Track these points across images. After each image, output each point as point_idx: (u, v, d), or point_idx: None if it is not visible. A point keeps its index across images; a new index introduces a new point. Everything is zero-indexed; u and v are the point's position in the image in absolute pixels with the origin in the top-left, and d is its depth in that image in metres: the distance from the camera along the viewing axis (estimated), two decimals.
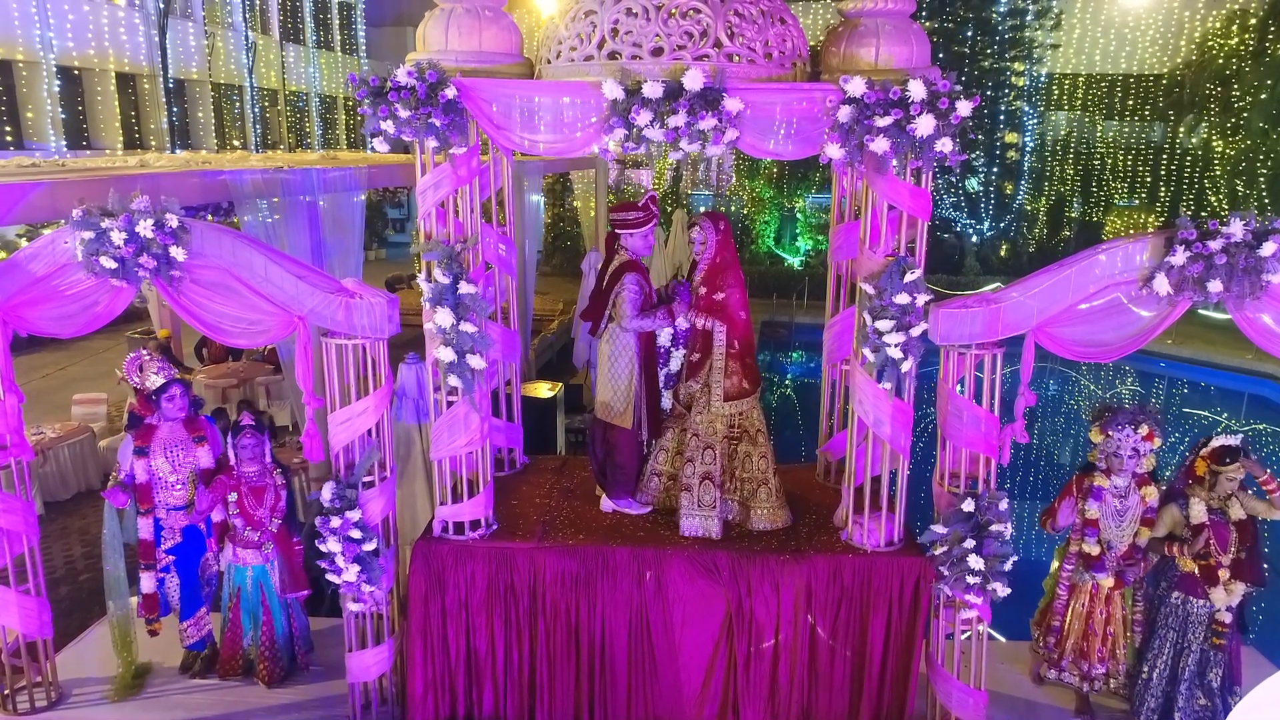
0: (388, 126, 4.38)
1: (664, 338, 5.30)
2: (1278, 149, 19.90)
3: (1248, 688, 4.92)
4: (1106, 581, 5.02)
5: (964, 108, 4.17)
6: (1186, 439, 5.10)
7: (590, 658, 5.04)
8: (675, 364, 5.35)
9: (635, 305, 5.01)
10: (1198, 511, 4.84)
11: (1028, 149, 24.18)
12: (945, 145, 4.23)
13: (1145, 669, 5.07)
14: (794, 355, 19.52)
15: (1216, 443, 4.88)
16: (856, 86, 4.18)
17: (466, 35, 4.62)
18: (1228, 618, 4.89)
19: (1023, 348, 4.59)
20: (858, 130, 4.24)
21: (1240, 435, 4.92)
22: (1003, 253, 24.36)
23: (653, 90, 4.19)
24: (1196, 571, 4.87)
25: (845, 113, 4.23)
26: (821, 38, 4.89)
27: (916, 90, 4.14)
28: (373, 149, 4.63)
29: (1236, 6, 21.98)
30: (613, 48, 4.56)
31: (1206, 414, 15.46)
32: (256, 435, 5.26)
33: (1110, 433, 4.87)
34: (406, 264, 22.41)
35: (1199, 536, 4.82)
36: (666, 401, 5.42)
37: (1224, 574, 4.81)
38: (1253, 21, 21.28)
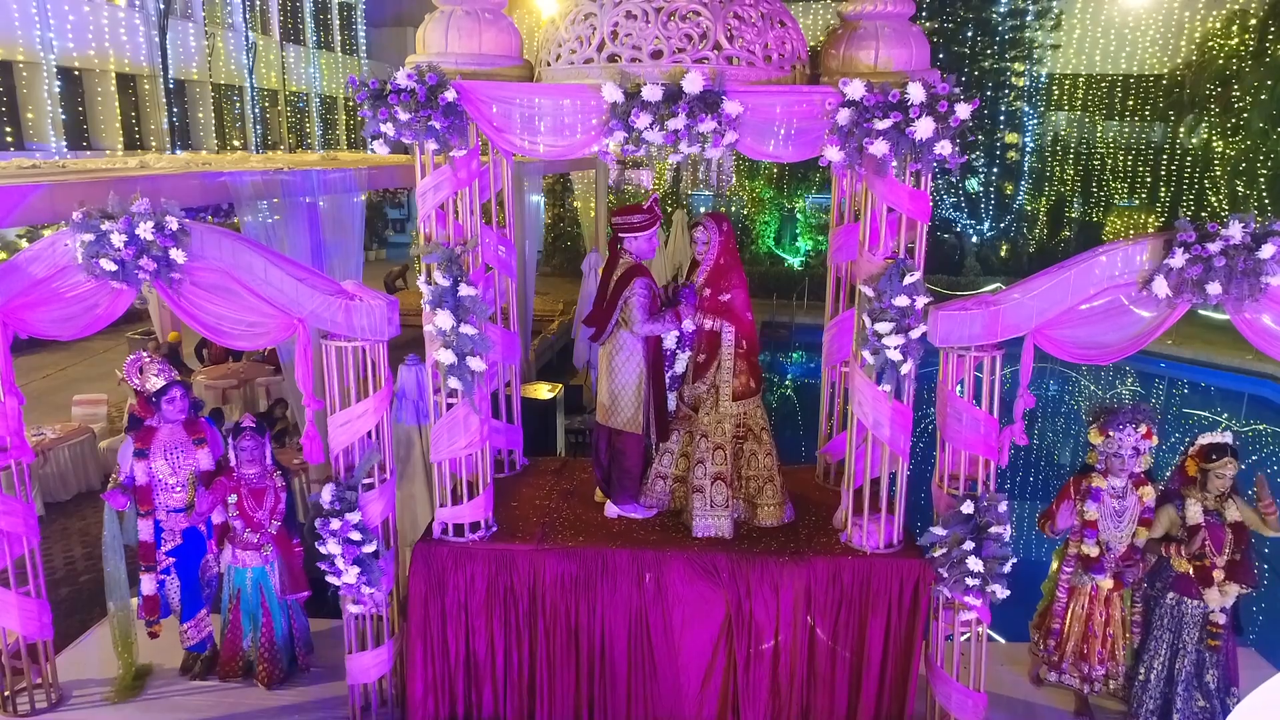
0: (388, 129, 4.39)
1: (669, 340, 5.26)
2: (1278, 149, 19.89)
3: (1245, 689, 4.93)
4: (1105, 583, 5.02)
5: (963, 110, 4.17)
6: (1187, 439, 5.11)
7: (590, 659, 5.04)
8: (680, 366, 5.34)
9: (646, 310, 4.99)
10: (1194, 513, 4.85)
11: (1028, 149, 24.16)
12: (944, 148, 4.23)
13: (1142, 670, 5.08)
14: (794, 356, 19.52)
15: (1203, 440, 4.89)
16: (856, 89, 4.18)
17: (466, 38, 4.62)
18: (1222, 619, 4.89)
19: (1022, 350, 4.59)
20: (857, 133, 4.24)
21: (1229, 433, 4.92)
22: (1003, 253, 24.34)
23: (652, 93, 4.19)
24: (1191, 572, 4.88)
25: (844, 115, 4.23)
26: (821, 38, 4.90)
27: (915, 93, 4.14)
28: (373, 151, 4.63)
29: (1237, 7, 21.95)
30: (612, 50, 4.56)
31: (1207, 414, 15.45)
32: (256, 437, 5.27)
33: (1111, 433, 4.87)
34: (405, 263, 22.41)
35: (1195, 537, 4.83)
36: (672, 404, 5.40)
37: (1218, 575, 4.82)
38: (1253, 22, 21.25)
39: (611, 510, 5.32)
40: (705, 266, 5.20)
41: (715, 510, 5.10)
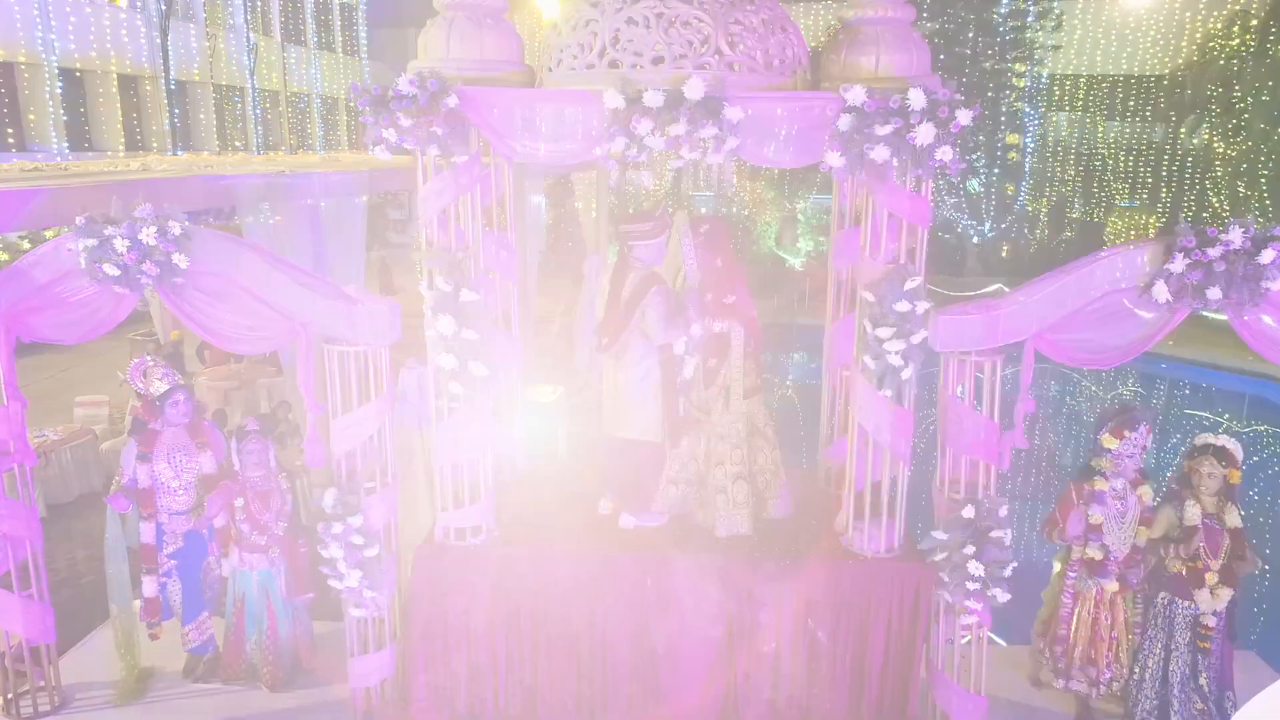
0: (389, 135, 4.39)
1: (678, 346, 5.17)
2: (1279, 150, 19.89)
3: (1242, 691, 4.94)
4: (1111, 586, 5.00)
5: (964, 116, 4.17)
6: (1189, 440, 5.13)
7: (591, 663, 5.05)
8: (689, 371, 5.31)
9: (665, 319, 4.97)
10: (1192, 514, 4.86)
11: (1029, 150, 24.17)
12: (945, 154, 4.23)
13: (1136, 669, 5.09)
14: (795, 356, 19.50)
15: (1196, 440, 4.95)
16: (856, 95, 4.18)
17: (467, 43, 4.63)
18: (1213, 621, 4.90)
19: (1023, 353, 4.60)
20: (858, 139, 4.25)
21: (1227, 435, 4.92)
22: (1004, 253, 24.36)
23: (653, 99, 4.19)
24: (1184, 573, 4.89)
25: (845, 121, 4.24)
26: (822, 39, 4.91)
27: (916, 99, 4.14)
28: (374, 154, 4.64)
29: (1238, 7, 21.94)
30: (614, 56, 4.56)
31: (1208, 415, 15.45)
32: (261, 440, 5.28)
33: (1128, 433, 4.85)
34: (406, 264, 22.38)
35: (1192, 539, 4.84)
36: (680, 409, 5.37)
37: (1211, 578, 4.82)
38: (1254, 22, 21.23)
39: (627, 521, 5.25)
40: (689, 271, 5.20)
41: (738, 509, 5.12)
